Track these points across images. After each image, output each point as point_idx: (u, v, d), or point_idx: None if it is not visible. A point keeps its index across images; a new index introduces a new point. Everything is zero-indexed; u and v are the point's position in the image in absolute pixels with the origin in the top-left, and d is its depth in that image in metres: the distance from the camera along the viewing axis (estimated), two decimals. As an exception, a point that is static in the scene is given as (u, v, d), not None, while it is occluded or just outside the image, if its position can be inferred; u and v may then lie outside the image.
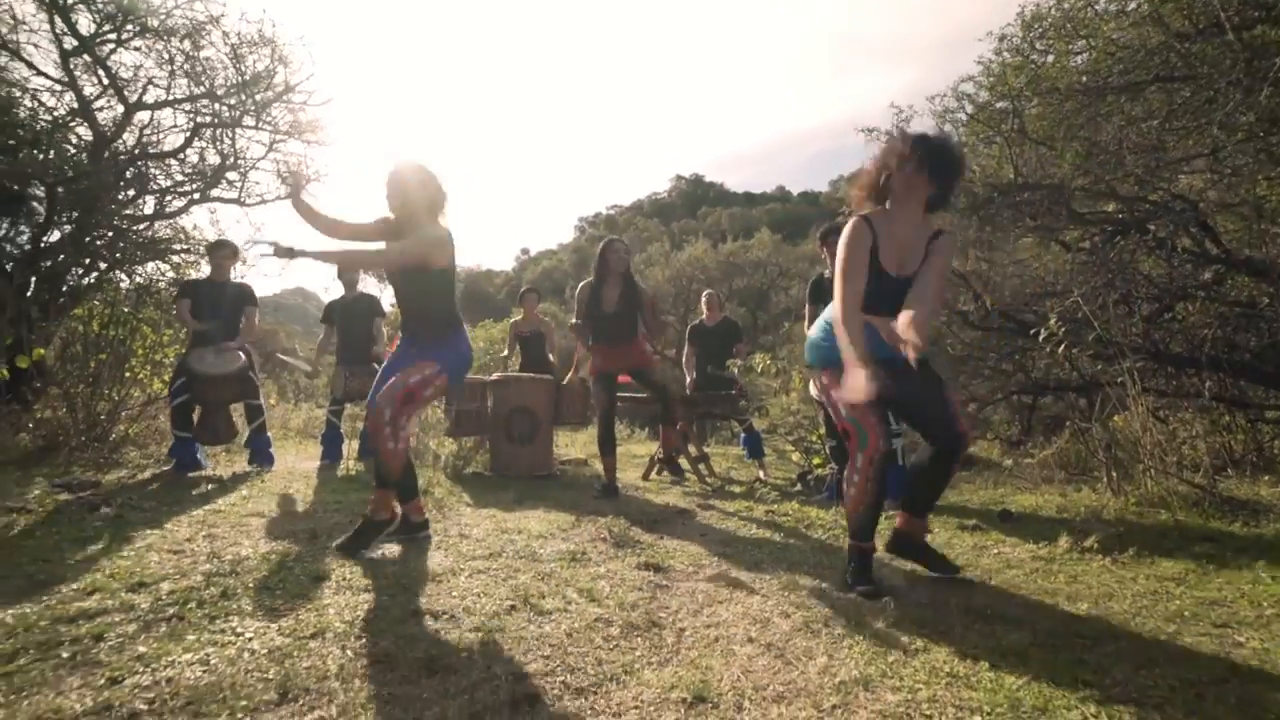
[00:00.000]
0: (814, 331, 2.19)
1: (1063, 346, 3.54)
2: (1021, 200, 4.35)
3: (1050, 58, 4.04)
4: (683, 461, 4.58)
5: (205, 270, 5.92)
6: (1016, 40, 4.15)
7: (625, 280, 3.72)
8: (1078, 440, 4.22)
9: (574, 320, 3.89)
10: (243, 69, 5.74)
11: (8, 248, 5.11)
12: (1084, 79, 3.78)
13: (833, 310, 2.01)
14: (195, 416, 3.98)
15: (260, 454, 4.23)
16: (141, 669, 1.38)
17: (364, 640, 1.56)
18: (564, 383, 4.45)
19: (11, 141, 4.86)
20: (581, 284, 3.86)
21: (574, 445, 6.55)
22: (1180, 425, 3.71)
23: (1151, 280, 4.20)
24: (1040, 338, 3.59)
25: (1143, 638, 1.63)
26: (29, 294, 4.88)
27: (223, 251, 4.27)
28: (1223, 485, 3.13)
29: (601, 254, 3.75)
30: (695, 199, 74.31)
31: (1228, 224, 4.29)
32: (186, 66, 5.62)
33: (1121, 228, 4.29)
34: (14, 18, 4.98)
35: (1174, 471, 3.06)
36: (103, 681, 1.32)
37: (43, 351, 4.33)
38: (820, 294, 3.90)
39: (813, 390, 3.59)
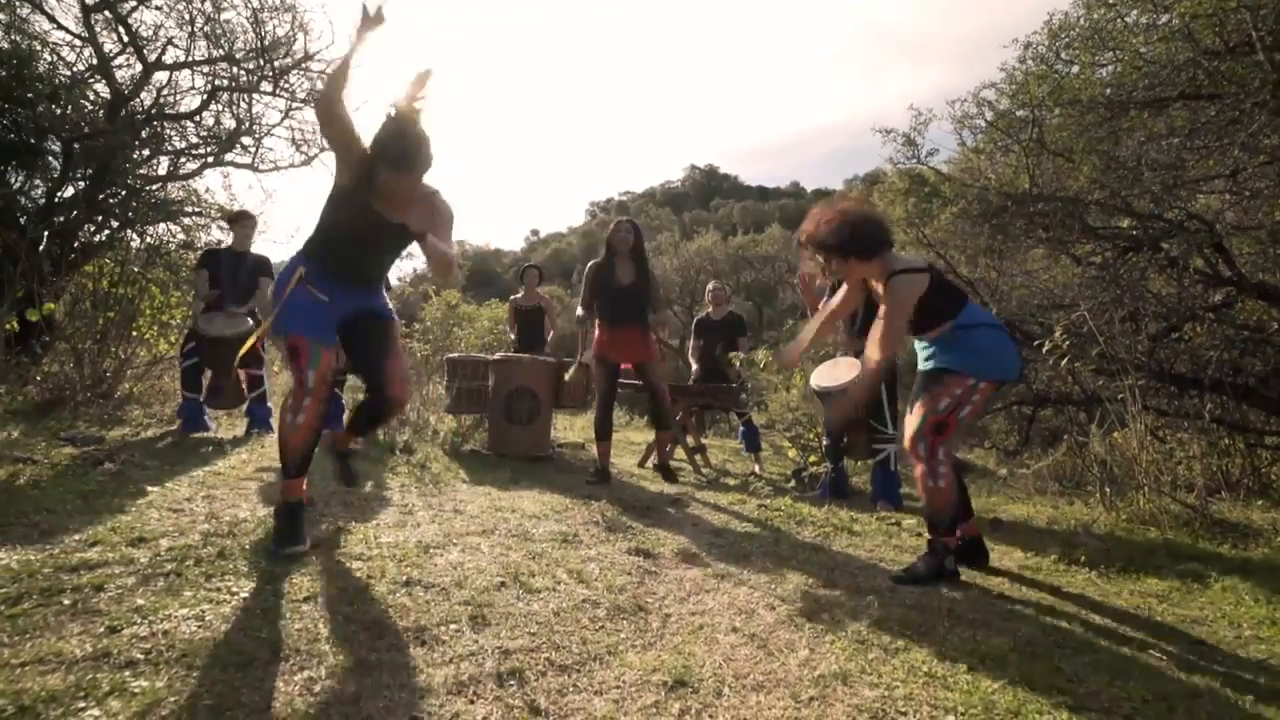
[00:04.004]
0: (982, 341, 2.18)
1: (1066, 360, 3.54)
2: (1035, 211, 4.32)
3: (1075, 69, 3.99)
4: (679, 452, 4.60)
5: (217, 238, 5.97)
6: (1042, 49, 4.10)
7: (638, 259, 3.74)
8: (1074, 454, 4.23)
9: (580, 312, 3.89)
10: (262, 33, 5.72)
11: (23, 201, 5.13)
12: (1107, 92, 3.74)
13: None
14: (205, 380, 4.06)
15: (259, 422, 4.28)
16: (139, 620, 1.41)
17: (355, 607, 1.59)
18: (566, 377, 4.42)
19: (30, 95, 4.86)
20: (590, 263, 3.87)
21: (572, 429, 6.59)
22: (1178, 445, 3.72)
23: (1160, 299, 4.17)
24: (1044, 349, 3.59)
25: (1120, 650, 1.65)
26: (41, 248, 4.91)
27: (246, 223, 4.37)
28: (1215, 507, 3.14)
29: (608, 236, 3.82)
30: (708, 190, 73.87)
31: (1243, 247, 4.26)
32: (207, 28, 5.60)
33: (1134, 244, 4.26)
34: (36, -31, 4.97)
35: (1167, 490, 3.07)
36: (102, 629, 1.36)
37: (53, 306, 4.36)
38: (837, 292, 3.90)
39: (809, 382, 3.58)
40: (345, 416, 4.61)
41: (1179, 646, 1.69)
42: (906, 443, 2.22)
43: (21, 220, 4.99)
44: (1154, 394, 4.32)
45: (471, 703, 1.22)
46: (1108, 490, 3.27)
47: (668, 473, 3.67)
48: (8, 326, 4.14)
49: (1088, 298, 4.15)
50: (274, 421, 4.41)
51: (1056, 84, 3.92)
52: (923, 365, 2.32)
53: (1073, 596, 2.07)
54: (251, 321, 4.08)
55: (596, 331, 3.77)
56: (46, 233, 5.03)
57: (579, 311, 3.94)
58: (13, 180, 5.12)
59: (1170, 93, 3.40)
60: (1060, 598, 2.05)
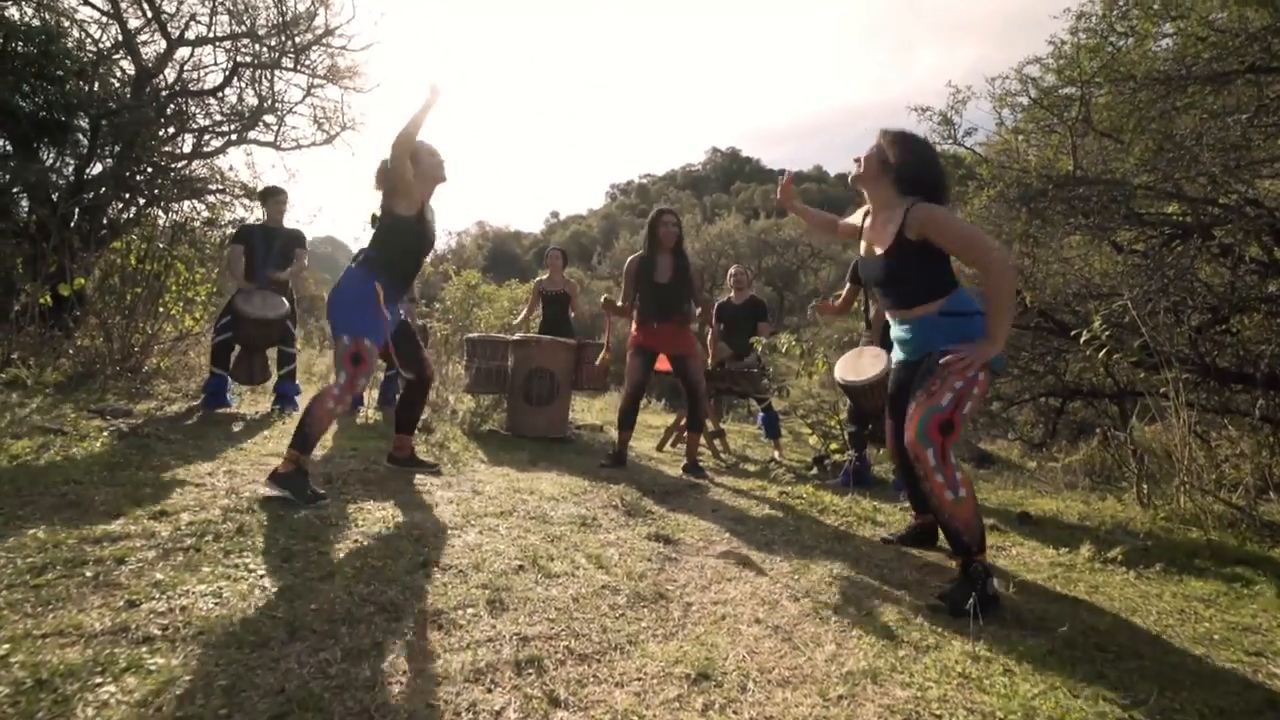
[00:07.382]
0: (978, 329, 1.88)
1: (1105, 351, 3.38)
2: (1076, 195, 4.11)
3: (1130, 40, 3.74)
4: (700, 442, 4.54)
5: (241, 215, 6.01)
6: (1095, 18, 3.84)
7: (677, 253, 3.64)
8: (1106, 448, 4.07)
9: (609, 297, 3.83)
10: (284, 9, 5.68)
11: (53, 178, 5.20)
12: (1165, 66, 3.50)
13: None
14: (234, 356, 4.12)
15: (286, 399, 4.32)
16: (158, 595, 1.41)
17: (372, 587, 1.57)
18: (596, 362, 4.39)
19: (59, 72, 4.89)
20: (630, 258, 3.79)
21: (590, 411, 6.57)
22: (1225, 442, 3.54)
23: (1211, 289, 3.95)
24: (1082, 340, 3.43)
25: (1168, 657, 1.56)
26: (72, 224, 4.98)
27: (277, 198, 4.41)
28: (1263, 509, 2.99)
29: (651, 227, 3.67)
30: (730, 173, 72.89)
31: (1304, 234, 4.00)
32: (229, 4, 5.58)
33: (1183, 232, 4.04)
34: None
35: (1211, 489, 2.93)
36: (121, 603, 1.36)
37: (84, 281, 4.43)
38: (858, 275, 3.79)
39: (834, 374, 3.49)
40: (364, 396, 4.64)
41: (1232, 655, 1.60)
42: (910, 449, 1.87)
43: (53, 196, 5.06)
44: (1194, 389, 4.12)
45: (489, 691, 1.19)
46: (1144, 487, 3.14)
47: (697, 472, 3.55)
48: (41, 301, 4.22)
49: (1131, 286, 3.95)
50: (300, 400, 4.47)
51: (1109, 57, 3.67)
52: (904, 354, 2.10)
53: (1111, 598, 1.97)
54: (286, 304, 4.11)
55: (634, 324, 3.69)
56: (77, 209, 5.10)
57: (603, 298, 3.90)
58: (45, 157, 5.19)
59: (1237, 65, 3.15)
60: (1097, 598, 1.96)
